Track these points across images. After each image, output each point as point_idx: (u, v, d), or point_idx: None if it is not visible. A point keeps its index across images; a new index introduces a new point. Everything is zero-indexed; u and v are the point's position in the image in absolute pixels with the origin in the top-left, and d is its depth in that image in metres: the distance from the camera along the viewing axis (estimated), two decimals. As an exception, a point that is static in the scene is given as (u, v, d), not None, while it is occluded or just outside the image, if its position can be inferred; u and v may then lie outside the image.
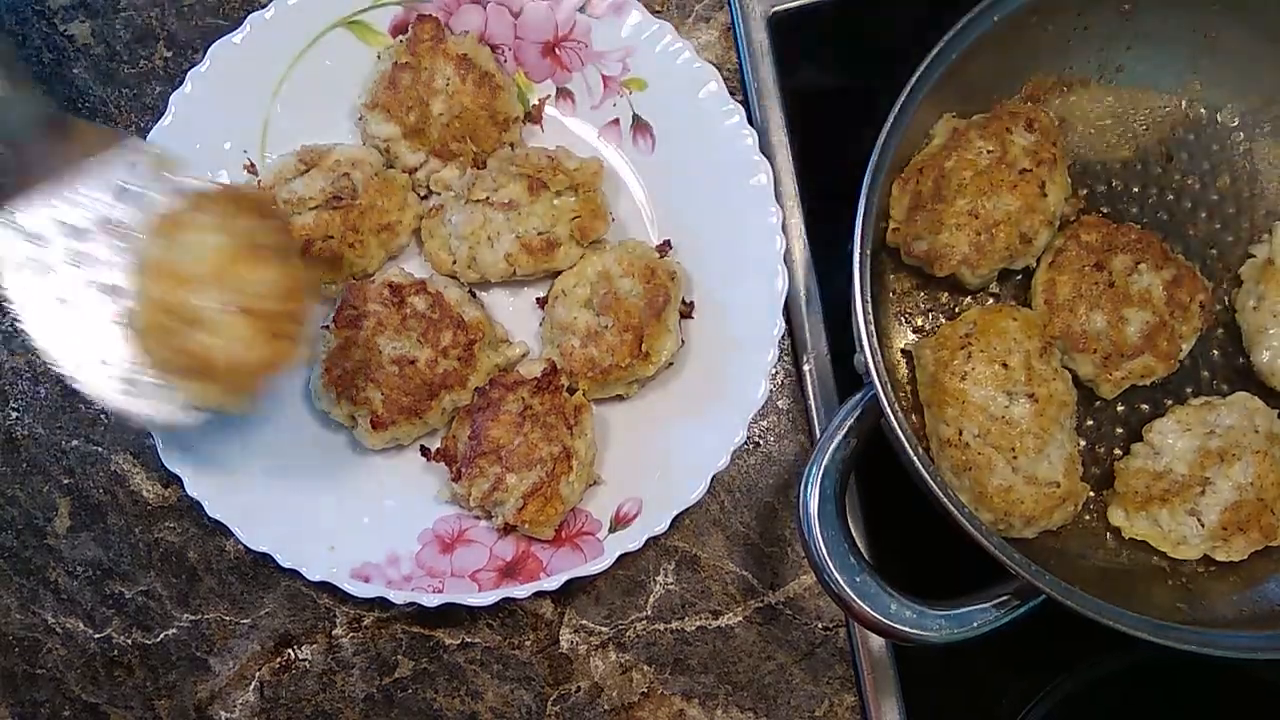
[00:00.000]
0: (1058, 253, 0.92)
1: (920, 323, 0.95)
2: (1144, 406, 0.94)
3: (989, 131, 0.91)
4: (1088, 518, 0.92)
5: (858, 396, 0.82)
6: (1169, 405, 0.93)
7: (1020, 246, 0.90)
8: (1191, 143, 0.98)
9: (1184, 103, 0.98)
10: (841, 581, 0.79)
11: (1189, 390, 0.95)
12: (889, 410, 0.79)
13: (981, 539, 0.78)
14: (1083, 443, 0.93)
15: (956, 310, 0.95)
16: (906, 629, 0.79)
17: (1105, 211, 0.96)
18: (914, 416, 0.90)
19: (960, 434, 0.86)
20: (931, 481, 0.79)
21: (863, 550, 0.80)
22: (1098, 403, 0.94)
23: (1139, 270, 0.91)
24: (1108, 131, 0.98)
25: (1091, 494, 0.92)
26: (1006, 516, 0.86)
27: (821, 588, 0.81)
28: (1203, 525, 0.88)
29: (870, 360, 0.80)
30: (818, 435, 0.96)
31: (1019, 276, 0.95)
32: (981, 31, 0.86)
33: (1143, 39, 0.94)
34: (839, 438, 0.81)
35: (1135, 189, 0.98)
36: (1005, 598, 0.80)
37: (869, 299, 0.81)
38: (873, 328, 0.81)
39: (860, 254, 0.82)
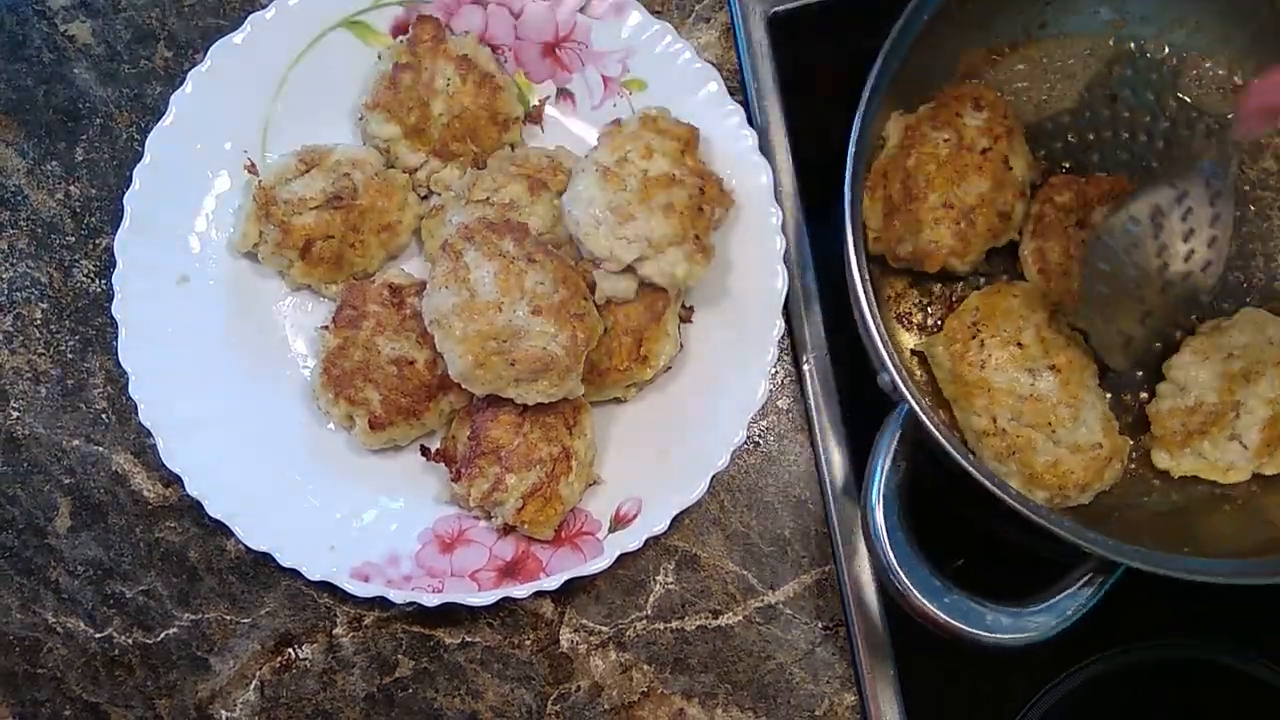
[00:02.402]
0: (1036, 220, 0.93)
1: (921, 319, 0.95)
2: (1156, 344, 0.95)
3: (940, 120, 0.91)
4: (1132, 465, 0.93)
5: (892, 419, 0.82)
6: (1181, 337, 0.93)
7: (1000, 225, 0.91)
8: (1130, 78, 0.99)
9: (1112, 41, 0.99)
10: (933, 608, 0.78)
11: (1195, 317, 0.95)
12: (931, 425, 0.79)
13: (1052, 527, 0.78)
14: (1109, 395, 0.93)
15: (952, 298, 0.95)
16: (1007, 637, 0.78)
17: (1068, 166, 0.98)
18: (941, 413, 0.90)
19: (995, 421, 0.86)
20: (989, 484, 0.79)
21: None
22: None
23: None
24: (1048, 88, 0.99)
25: (1131, 443, 0.92)
26: (1061, 490, 0.87)
27: (913, 616, 0.80)
28: (1246, 447, 0.89)
29: (898, 378, 0.80)
30: (818, 435, 0.96)
31: (1004, 249, 0.96)
32: (915, 31, 0.86)
33: None
34: (887, 466, 0.81)
35: (1090, 136, 0.99)
36: (1089, 576, 0.79)
37: (878, 316, 0.81)
38: (890, 344, 0.80)
39: (860, 276, 0.81)
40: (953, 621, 0.78)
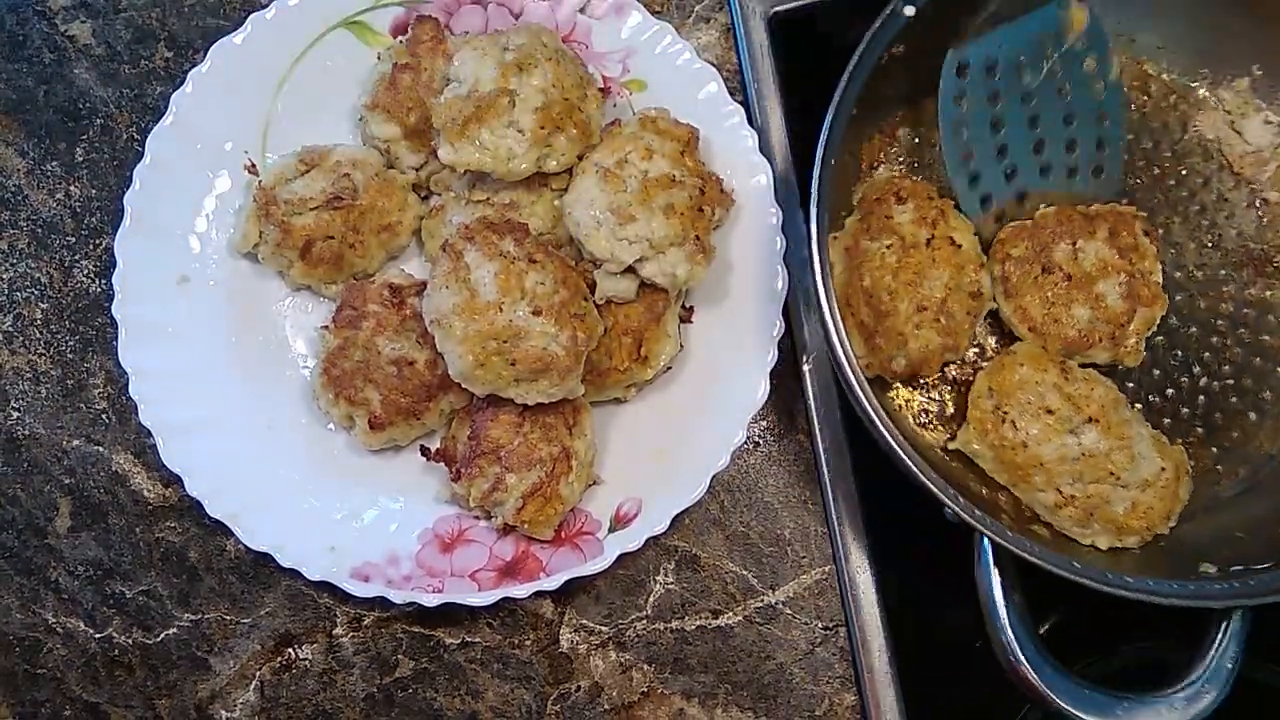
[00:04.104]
0: (1003, 281, 0.93)
1: (936, 411, 0.95)
2: (1159, 338, 0.96)
3: (874, 229, 0.91)
4: (1192, 464, 0.93)
5: (982, 553, 0.81)
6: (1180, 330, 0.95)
7: (975, 303, 0.91)
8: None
9: None
10: None
11: (1178, 296, 0.97)
12: (1019, 550, 0.79)
13: (1176, 600, 0.79)
14: (1138, 406, 0.94)
15: (956, 379, 0.95)
16: (1192, 715, 0.79)
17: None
18: (1000, 496, 0.90)
19: (1061, 492, 0.86)
20: (1097, 584, 0.79)
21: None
22: (1119, 367, 0.95)
23: (1079, 248, 0.92)
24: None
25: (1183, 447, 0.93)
26: (1149, 528, 0.87)
27: None
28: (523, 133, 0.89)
29: (968, 517, 0.79)
30: (817, 436, 0.96)
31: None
32: (835, 147, 0.85)
33: (928, 51, 0.93)
34: (1005, 604, 0.80)
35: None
36: (1224, 622, 0.81)
37: (915, 457, 0.79)
38: (946, 486, 0.79)
39: (894, 439, 0.80)
40: None
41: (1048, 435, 0.86)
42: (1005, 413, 0.87)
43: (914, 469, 0.79)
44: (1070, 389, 0.87)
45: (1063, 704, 0.79)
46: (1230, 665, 0.80)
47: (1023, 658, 0.79)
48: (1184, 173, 0.99)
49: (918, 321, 0.88)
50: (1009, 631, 0.79)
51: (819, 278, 0.81)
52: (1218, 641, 0.81)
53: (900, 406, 0.94)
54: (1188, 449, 0.93)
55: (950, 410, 0.95)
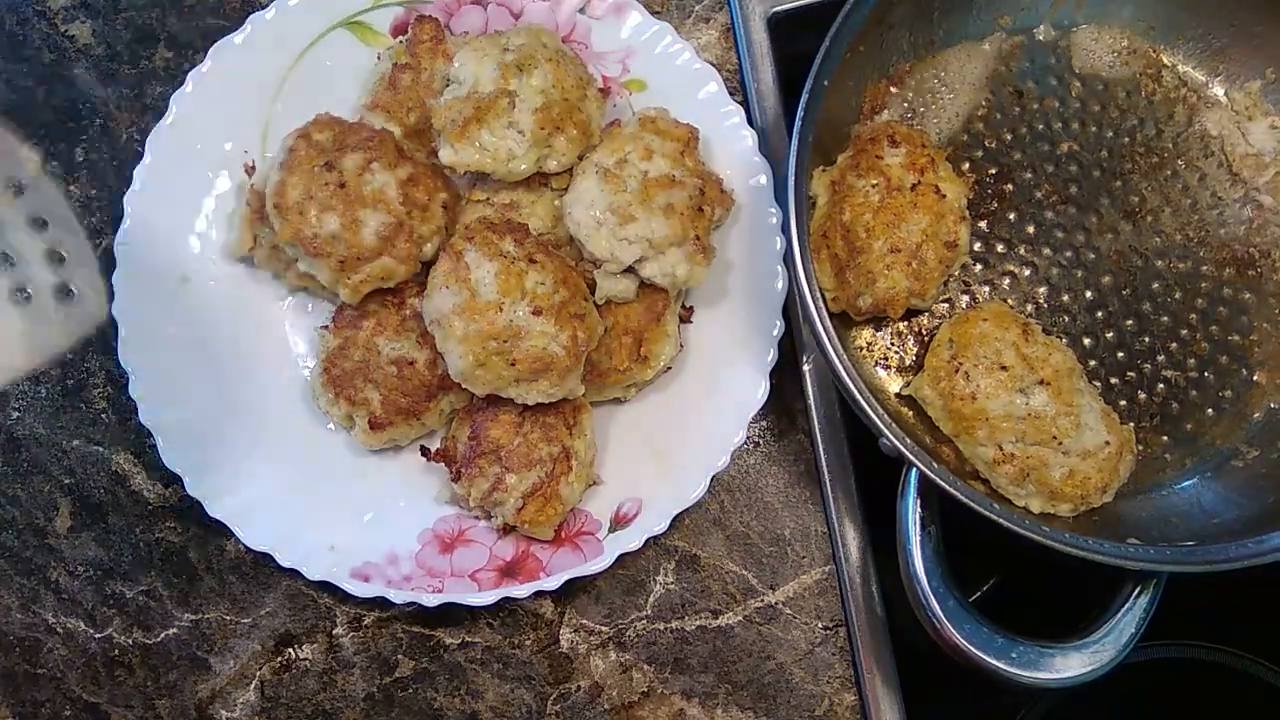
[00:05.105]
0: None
1: (899, 360, 0.95)
2: (1129, 322, 0.95)
3: (863, 167, 0.92)
4: (1140, 447, 0.93)
5: (907, 483, 0.82)
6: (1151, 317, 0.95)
7: (949, 253, 0.91)
8: (1029, 69, 1.00)
9: (1003, 39, 1.00)
10: (1004, 666, 0.80)
11: (1155, 284, 0.97)
12: (947, 485, 0.80)
13: (1095, 555, 0.80)
14: (1096, 384, 0.94)
15: (921, 331, 0.95)
16: (1083, 672, 0.80)
17: (994, 172, 0.98)
18: (945, 449, 0.91)
19: (1001, 449, 0.87)
20: (1018, 528, 0.80)
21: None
22: (1087, 342, 0.95)
23: None
24: (954, 100, 1.00)
25: (1133, 427, 0.93)
26: (1084, 499, 0.87)
27: (989, 676, 0.81)
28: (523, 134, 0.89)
29: (901, 446, 0.80)
30: (817, 435, 0.96)
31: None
32: (823, 92, 0.87)
33: (942, 3, 0.96)
34: (920, 538, 0.81)
35: (1008, 136, 0.99)
36: (1135, 590, 0.82)
37: (864, 386, 0.81)
38: (886, 415, 0.81)
39: (840, 358, 0.82)
40: (1021, 673, 0.80)
41: (997, 390, 0.87)
42: (960, 363, 0.88)
43: (858, 396, 0.81)
44: (1028, 350, 0.88)
45: (958, 638, 0.80)
46: (1133, 630, 0.81)
47: (924, 579, 0.80)
48: (1182, 165, 0.99)
49: (889, 262, 0.89)
50: (917, 559, 0.81)
51: (791, 202, 0.83)
52: (1126, 606, 0.82)
53: (863, 348, 0.95)
54: (1139, 433, 0.93)
55: (911, 361, 0.95)
